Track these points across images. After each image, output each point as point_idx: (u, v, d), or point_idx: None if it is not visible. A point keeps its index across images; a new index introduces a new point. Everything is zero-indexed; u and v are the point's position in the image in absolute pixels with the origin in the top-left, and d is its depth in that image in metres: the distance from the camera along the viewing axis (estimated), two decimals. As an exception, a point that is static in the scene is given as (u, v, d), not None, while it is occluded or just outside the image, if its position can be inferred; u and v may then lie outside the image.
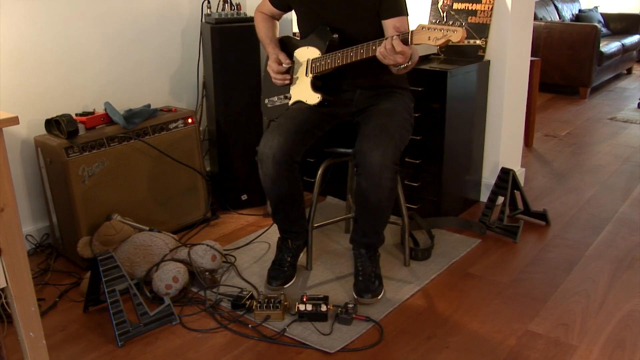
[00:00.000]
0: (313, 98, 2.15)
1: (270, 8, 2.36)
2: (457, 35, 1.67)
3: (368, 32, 2.06)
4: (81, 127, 2.45)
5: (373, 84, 2.19)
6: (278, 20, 2.41)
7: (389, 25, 2.07)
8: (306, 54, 2.19)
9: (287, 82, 2.22)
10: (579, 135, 4.44)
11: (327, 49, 2.11)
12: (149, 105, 2.72)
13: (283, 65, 2.21)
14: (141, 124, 2.59)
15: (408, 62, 1.95)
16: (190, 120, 2.77)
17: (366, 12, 2.11)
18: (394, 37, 1.86)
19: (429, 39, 1.72)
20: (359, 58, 1.97)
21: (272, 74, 2.25)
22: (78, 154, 2.37)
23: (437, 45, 1.72)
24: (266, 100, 2.33)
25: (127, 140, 2.54)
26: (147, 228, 2.48)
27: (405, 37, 1.84)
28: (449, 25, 1.70)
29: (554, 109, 5.30)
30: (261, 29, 2.37)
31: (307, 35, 2.21)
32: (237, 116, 2.91)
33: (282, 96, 2.25)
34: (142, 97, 2.93)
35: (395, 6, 2.09)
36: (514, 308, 2.12)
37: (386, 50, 1.88)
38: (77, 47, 2.64)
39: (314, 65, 2.16)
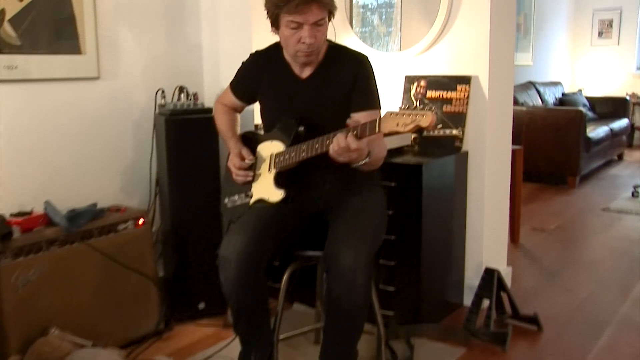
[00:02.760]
0: (275, 195, 2.20)
1: (232, 100, 2.46)
2: (426, 119, 1.73)
3: (338, 124, 2.07)
4: (16, 229, 2.44)
5: (342, 178, 2.24)
6: (240, 112, 2.52)
7: (359, 119, 2.07)
8: (270, 148, 2.27)
9: (250, 179, 2.29)
10: (569, 228, 4.57)
11: (292, 142, 2.19)
12: (94, 205, 2.76)
13: (246, 161, 2.28)
14: (85, 225, 2.62)
15: (366, 159, 1.99)
16: (141, 221, 2.81)
17: (336, 103, 2.20)
18: (347, 134, 1.91)
19: (398, 125, 1.78)
20: (324, 150, 2.03)
21: (234, 171, 2.30)
22: (11, 260, 2.37)
23: (406, 132, 1.78)
24: (226, 200, 2.38)
25: (70, 244, 2.55)
26: (90, 343, 2.45)
27: (357, 133, 1.90)
28: (419, 110, 1.77)
29: (541, 201, 5.46)
30: (221, 122, 2.46)
31: (271, 128, 2.30)
32: (194, 216, 2.95)
33: (243, 194, 2.31)
34: (88, 195, 2.97)
35: (366, 99, 2.19)
36: None
37: (340, 148, 1.92)
38: (14, 139, 2.69)
39: (277, 160, 2.22)
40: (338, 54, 2.26)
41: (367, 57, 2.25)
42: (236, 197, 2.34)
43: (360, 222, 2.09)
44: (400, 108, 1.86)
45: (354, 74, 2.20)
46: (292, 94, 2.27)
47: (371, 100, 2.21)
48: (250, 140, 2.38)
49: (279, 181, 2.22)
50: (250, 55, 2.40)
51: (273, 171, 2.23)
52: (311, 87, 2.24)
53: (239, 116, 2.52)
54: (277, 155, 2.23)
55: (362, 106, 2.18)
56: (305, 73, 2.25)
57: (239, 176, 2.30)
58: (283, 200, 2.18)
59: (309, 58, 2.15)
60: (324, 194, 2.28)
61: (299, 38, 2.08)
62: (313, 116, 2.22)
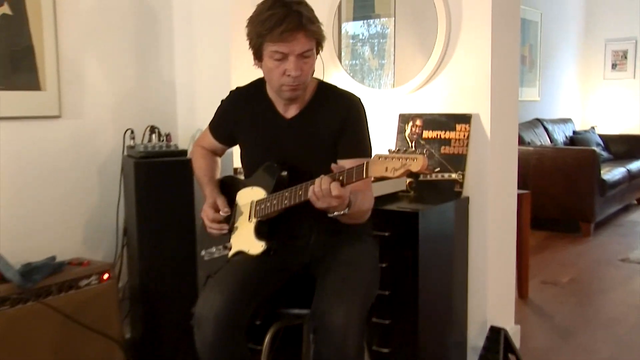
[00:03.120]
0: (256, 247, 2.20)
1: (211, 142, 2.49)
2: (417, 163, 1.75)
3: (325, 169, 2.05)
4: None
5: (330, 228, 2.24)
6: (220, 155, 2.55)
7: (344, 166, 2.03)
8: (250, 195, 2.28)
9: (224, 231, 2.30)
10: (584, 281, 4.59)
11: (275, 188, 2.20)
12: (53, 258, 2.76)
13: (220, 213, 2.30)
14: (42, 281, 2.61)
15: (345, 210, 2.00)
16: (106, 276, 2.81)
17: (323, 147, 2.23)
18: (331, 178, 1.93)
19: (387, 170, 1.80)
20: (307, 198, 2.04)
21: (207, 222, 2.32)
22: (-44, 321, 2.35)
23: (396, 177, 1.80)
24: (203, 252, 2.39)
25: (24, 302, 2.54)
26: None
27: (342, 179, 1.92)
28: (410, 152, 1.78)
29: (552, 250, 5.48)
30: (199, 167, 2.47)
31: (252, 172, 2.33)
32: (166, 270, 2.96)
33: (221, 246, 2.32)
34: (45, 247, 2.96)
35: (356, 145, 2.22)
36: None
37: (321, 191, 1.93)
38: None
39: (258, 208, 2.24)
40: (327, 93, 2.29)
41: (359, 99, 2.29)
42: (214, 249, 2.35)
43: (351, 276, 2.10)
44: (389, 151, 1.87)
45: (344, 116, 2.22)
46: (275, 135, 2.29)
47: (361, 147, 2.24)
48: (229, 186, 2.40)
49: (260, 231, 2.23)
50: (230, 92, 2.44)
51: (253, 220, 2.25)
52: (296, 128, 2.27)
53: (219, 160, 2.54)
54: (258, 202, 2.24)
55: (350, 153, 2.20)
56: (291, 112, 2.28)
57: (212, 228, 2.31)
58: (265, 253, 2.20)
59: (295, 93, 2.17)
60: (310, 245, 2.29)
61: (283, 70, 2.10)
62: (298, 160, 2.25)
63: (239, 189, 2.35)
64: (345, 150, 2.22)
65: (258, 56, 2.16)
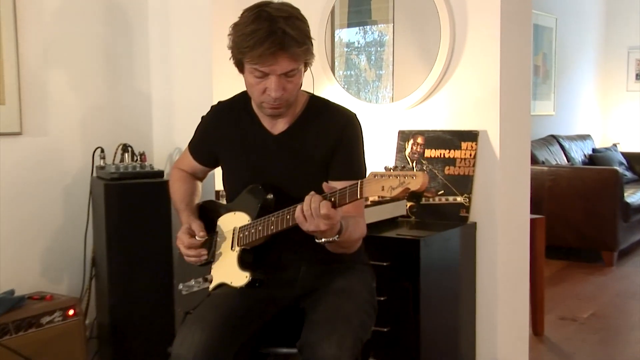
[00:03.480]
0: (240, 278, 2.19)
1: (191, 163, 2.49)
2: (416, 181, 1.76)
3: (316, 191, 2.03)
4: None
5: (322, 257, 2.22)
6: (202, 179, 2.56)
7: (336, 187, 2.02)
8: (232, 221, 2.28)
9: (204, 258, 2.30)
10: (607, 316, 4.56)
11: (260, 213, 2.18)
12: (11, 292, 2.77)
13: (196, 238, 2.29)
14: None
15: (335, 236, 2.00)
16: (72, 312, 2.81)
17: (314, 167, 2.24)
18: (323, 198, 1.93)
19: (383, 190, 1.80)
20: (296, 222, 2.03)
21: (183, 250, 2.31)
22: None
23: (394, 197, 1.81)
24: (181, 286, 2.37)
25: (-22, 343, 2.53)
26: None
27: (334, 199, 1.91)
28: (408, 170, 1.79)
29: (570, 282, 5.45)
30: (176, 191, 2.47)
31: (234, 196, 2.33)
32: (139, 305, 2.97)
33: (200, 279, 2.31)
34: (2, 280, 2.95)
35: (349, 167, 2.23)
36: None
37: (310, 210, 1.93)
38: None
39: (241, 235, 2.23)
40: (319, 108, 2.31)
41: (355, 116, 2.30)
42: (192, 282, 2.34)
43: (343, 305, 2.11)
44: (386, 168, 1.89)
45: (338, 135, 2.24)
46: (261, 153, 2.30)
47: (355, 169, 2.25)
48: (210, 212, 2.40)
49: (244, 261, 2.23)
50: (212, 107, 2.44)
51: (237, 249, 2.24)
52: (284, 145, 2.28)
53: (200, 185, 2.55)
54: (242, 229, 2.24)
55: (343, 175, 2.21)
56: (278, 128, 2.29)
57: (189, 256, 2.31)
58: (249, 285, 2.19)
59: (277, 111, 2.19)
60: (300, 276, 2.29)
61: (264, 88, 2.11)
62: (285, 181, 2.26)
63: (220, 215, 2.36)
64: (337, 171, 2.24)
65: (240, 69, 2.18)
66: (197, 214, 2.40)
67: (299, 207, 1.98)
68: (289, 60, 2.07)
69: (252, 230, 2.19)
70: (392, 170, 1.82)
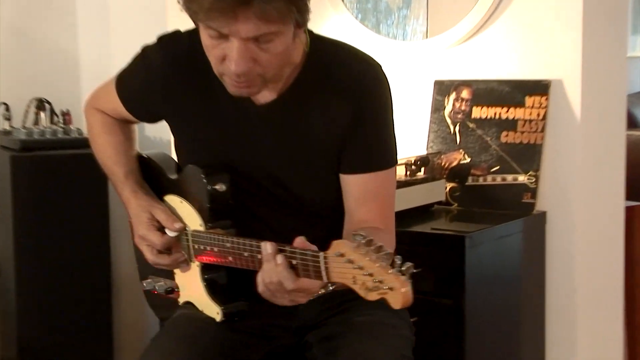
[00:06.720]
0: (210, 309, 2.01)
1: (118, 110, 2.18)
2: (395, 298, 1.51)
3: (318, 191, 1.97)
4: None
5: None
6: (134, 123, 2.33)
7: (352, 187, 1.92)
8: (182, 211, 2.02)
9: (182, 261, 2.04)
10: None
11: (212, 215, 1.96)
12: None
13: (167, 232, 2.00)
14: None
15: (328, 288, 1.81)
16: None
17: (316, 153, 1.97)
18: (281, 256, 1.69)
19: (354, 282, 1.55)
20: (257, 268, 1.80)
21: (151, 256, 2.01)
22: None
23: (366, 299, 1.57)
24: (145, 283, 2.22)
25: None
26: None
27: (296, 264, 1.68)
28: (389, 272, 1.50)
29: None
30: (105, 149, 2.20)
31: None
32: (64, 335, 2.91)
33: (169, 279, 2.16)
34: None
35: (372, 151, 1.98)
36: None
37: (271, 283, 1.71)
38: None
39: (197, 246, 1.98)
40: (326, 61, 1.99)
41: (380, 69, 1.99)
42: (162, 281, 2.16)
43: (375, 350, 1.90)
44: (362, 236, 1.55)
45: (354, 105, 1.92)
46: (237, 131, 2.03)
47: (377, 154, 1.99)
48: (153, 177, 2.17)
49: (213, 290, 2.02)
50: (161, 45, 2.07)
51: (197, 263, 2.02)
52: (273, 121, 1.99)
53: (135, 129, 2.31)
54: (196, 237, 1.99)
55: (361, 166, 1.96)
56: (265, 95, 1.97)
57: (160, 264, 2.05)
58: (225, 320, 1.98)
59: (243, 90, 1.86)
60: (302, 306, 1.98)
61: (222, 55, 1.79)
62: (274, 171, 2.01)
63: (167, 189, 2.10)
64: (355, 160, 1.97)
65: (195, 23, 1.88)
66: (148, 185, 2.13)
67: (259, 277, 1.73)
68: (257, 19, 1.71)
69: (208, 248, 1.95)
70: (370, 247, 1.53)
